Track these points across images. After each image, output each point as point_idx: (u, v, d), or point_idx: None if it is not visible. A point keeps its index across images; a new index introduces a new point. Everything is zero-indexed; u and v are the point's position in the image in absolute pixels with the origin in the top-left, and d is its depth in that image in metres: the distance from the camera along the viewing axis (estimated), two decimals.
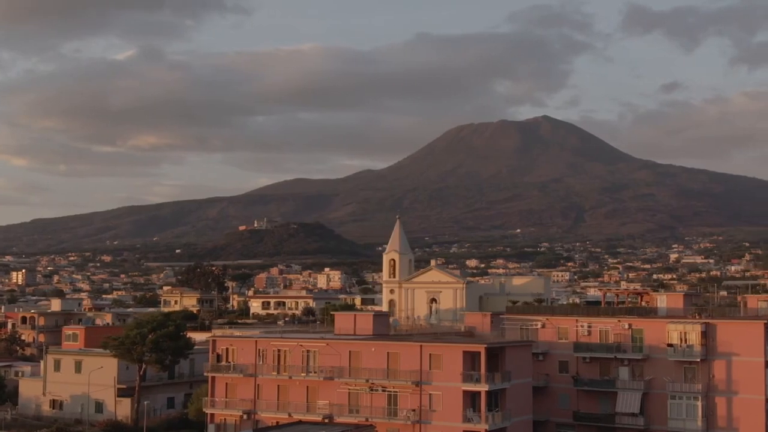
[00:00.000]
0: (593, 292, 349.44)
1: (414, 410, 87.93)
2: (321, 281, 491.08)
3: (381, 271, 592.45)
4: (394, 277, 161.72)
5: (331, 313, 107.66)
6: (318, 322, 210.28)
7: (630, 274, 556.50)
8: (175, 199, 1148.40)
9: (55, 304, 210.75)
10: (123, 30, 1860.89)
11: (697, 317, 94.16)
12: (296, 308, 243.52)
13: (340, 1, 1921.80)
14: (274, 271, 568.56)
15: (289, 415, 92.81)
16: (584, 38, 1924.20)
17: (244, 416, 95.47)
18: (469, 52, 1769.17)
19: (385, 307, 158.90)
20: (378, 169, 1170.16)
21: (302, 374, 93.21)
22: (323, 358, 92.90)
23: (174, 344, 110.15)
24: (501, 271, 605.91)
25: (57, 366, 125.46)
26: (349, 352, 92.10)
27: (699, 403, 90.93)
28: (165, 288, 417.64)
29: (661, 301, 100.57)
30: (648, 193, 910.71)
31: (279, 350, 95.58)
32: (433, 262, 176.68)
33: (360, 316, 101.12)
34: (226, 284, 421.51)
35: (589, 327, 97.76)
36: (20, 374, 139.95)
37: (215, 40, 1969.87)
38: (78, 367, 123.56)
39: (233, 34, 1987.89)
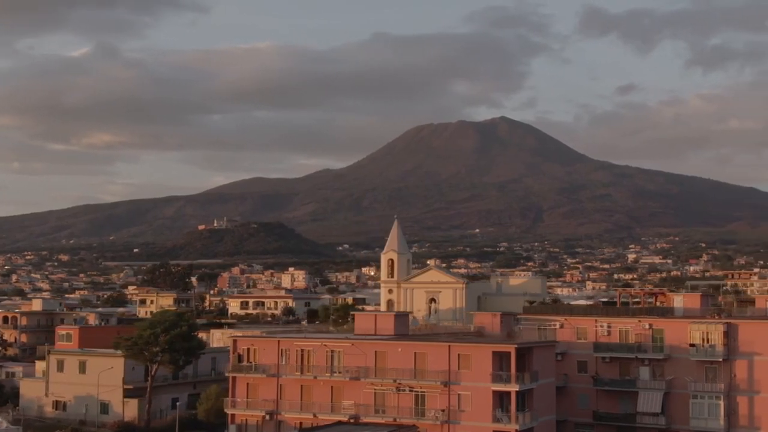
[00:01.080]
0: (560, 292, 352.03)
1: (443, 410, 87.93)
2: (285, 281, 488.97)
3: (344, 270, 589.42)
4: (393, 276, 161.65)
5: (352, 313, 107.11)
6: (302, 322, 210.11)
7: (591, 274, 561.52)
8: (131, 197, 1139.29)
9: (36, 304, 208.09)
10: (78, 27, 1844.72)
11: (716, 317, 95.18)
12: (275, 308, 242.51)
13: (298, 0, 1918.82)
14: (236, 270, 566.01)
15: (314, 415, 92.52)
16: (541, 39, 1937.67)
17: (267, 416, 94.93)
18: (426, 52, 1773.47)
19: (383, 307, 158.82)
20: (337, 168, 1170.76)
21: (327, 374, 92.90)
22: (348, 358, 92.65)
23: (187, 344, 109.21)
24: (462, 271, 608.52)
25: (60, 366, 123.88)
26: (375, 352, 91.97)
27: (721, 403, 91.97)
28: (131, 288, 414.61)
29: (678, 301, 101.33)
30: (605, 194, 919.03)
31: (302, 350, 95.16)
32: (431, 262, 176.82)
33: (381, 316, 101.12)
34: (192, 284, 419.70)
35: (609, 327, 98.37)
36: (20, 375, 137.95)
37: (172, 37, 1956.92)
38: (82, 368, 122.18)
39: (190, 32, 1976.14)
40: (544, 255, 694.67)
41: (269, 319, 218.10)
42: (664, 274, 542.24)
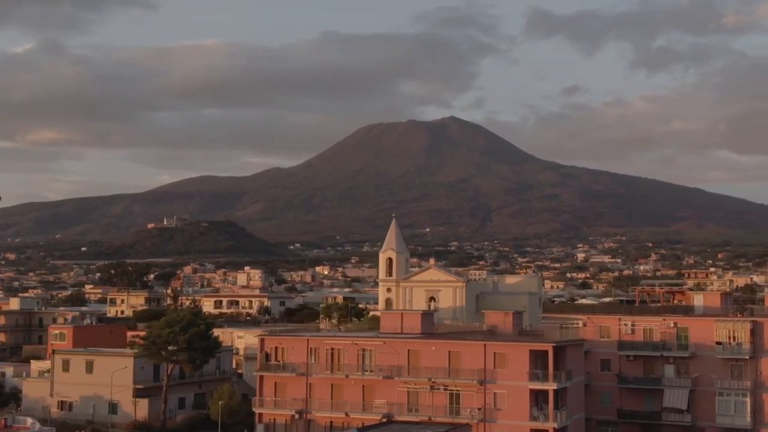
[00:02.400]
0: None
1: (479, 409, 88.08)
2: (240, 280, 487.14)
3: (299, 270, 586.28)
4: (391, 275, 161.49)
5: (380, 312, 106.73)
6: (278, 321, 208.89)
7: (544, 273, 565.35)
8: (77, 195, 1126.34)
9: (14, 303, 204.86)
10: (22, 22, 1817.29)
11: (739, 316, 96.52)
12: (250, 307, 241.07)
13: None
14: (188, 269, 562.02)
15: (346, 414, 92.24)
16: (490, 40, 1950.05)
17: (296, 415, 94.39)
18: (376, 51, 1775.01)
19: (381, 306, 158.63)
20: (286, 167, 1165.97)
21: (359, 373, 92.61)
22: (380, 357, 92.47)
23: (205, 343, 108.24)
24: (415, 269, 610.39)
25: (66, 366, 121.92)
26: (408, 350, 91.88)
27: (747, 400, 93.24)
28: (88, 287, 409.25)
29: (698, 299, 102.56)
30: (552, 194, 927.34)
31: (332, 349, 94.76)
32: (431, 261, 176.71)
33: (407, 315, 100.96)
34: (150, 282, 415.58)
35: (633, 325, 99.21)
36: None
37: (119, 34, 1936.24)
38: (89, 367, 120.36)
39: (138, 29, 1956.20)
40: (495, 254, 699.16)
41: (248, 318, 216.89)
42: (616, 273, 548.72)
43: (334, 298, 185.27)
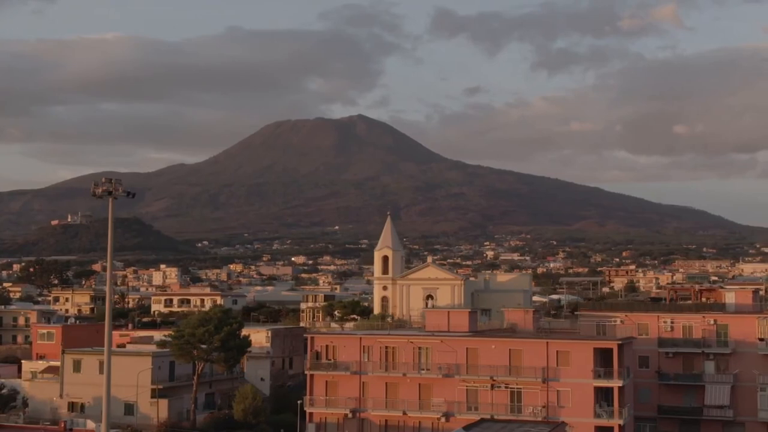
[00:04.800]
0: None
1: (543, 407, 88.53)
2: (156, 278, 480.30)
3: (212, 268, 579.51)
4: (387, 273, 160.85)
5: (426, 310, 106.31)
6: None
7: (459, 271, 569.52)
8: None
9: None
10: None
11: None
12: (202, 306, 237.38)
13: None
14: (96, 267, 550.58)
15: (404, 413, 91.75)
16: (394, 39, 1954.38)
17: (349, 414, 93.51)
18: (281, 48, 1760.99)
19: (377, 304, 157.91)
20: (191, 163, 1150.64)
21: (416, 372, 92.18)
22: (437, 355, 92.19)
23: (239, 342, 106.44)
24: (332, 267, 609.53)
25: (77, 366, 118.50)
26: (466, 348, 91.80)
27: None
28: (5, 284, 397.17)
29: (730, 297, 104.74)
30: (459, 193, 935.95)
31: (386, 347, 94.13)
32: (429, 259, 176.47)
33: (454, 313, 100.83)
34: (71, 280, 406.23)
35: (672, 323, 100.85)
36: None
37: (14, 26, 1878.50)
38: (102, 368, 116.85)
39: (34, 21, 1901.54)
40: (405, 252, 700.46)
41: None
42: (530, 271, 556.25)
43: (315, 297, 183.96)
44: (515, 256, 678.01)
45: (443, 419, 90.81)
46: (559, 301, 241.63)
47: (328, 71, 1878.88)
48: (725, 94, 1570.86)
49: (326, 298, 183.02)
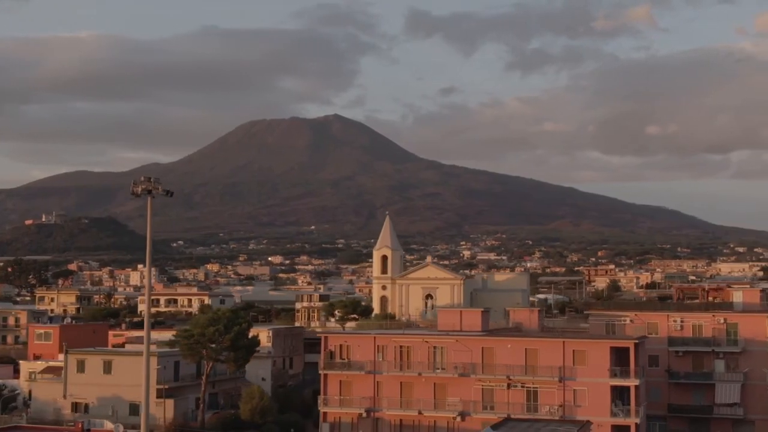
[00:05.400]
0: None
1: (559, 406, 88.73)
2: (134, 278, 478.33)
3: (188, 267, 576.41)
4: (386, 273, 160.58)
5: (439, 310, 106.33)
6: None
7: None
8: None
9: None
10: None
11: None
12: (189, 306, 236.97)
13: None
14: (72, 267, 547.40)
15: (419, 412, 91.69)
16: (369, 39, 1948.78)
17: (364, 414, 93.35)
18: (256, 47, 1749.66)
19: (376, 304, 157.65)
20: (165, 162, 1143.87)
21: (432, 371, 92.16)
22: (452, 355, 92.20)
23: (248, 342, 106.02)
24: (309, 267, 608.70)
25: (81, 367, 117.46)
26: (482, 348, 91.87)
27: None
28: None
29: (737, 296, 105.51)
30: (435, 193, 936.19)
31: (401, 347, 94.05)
32: (429, 259, 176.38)
33: (467, 313, 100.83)
34: (49, 280, 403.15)
35: (682, 322, 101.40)
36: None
37: None
38: (107, 368, 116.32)
39: (8, 20, 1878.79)
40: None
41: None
42: (507, 270, 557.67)
43: (310, 296, 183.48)
44: (492, 256, 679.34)
45: (459, 419, 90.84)
46: (546, 300, 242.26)
47: (303, 71, 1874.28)
48: (698, 95, 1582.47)
49: (321, 298, 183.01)
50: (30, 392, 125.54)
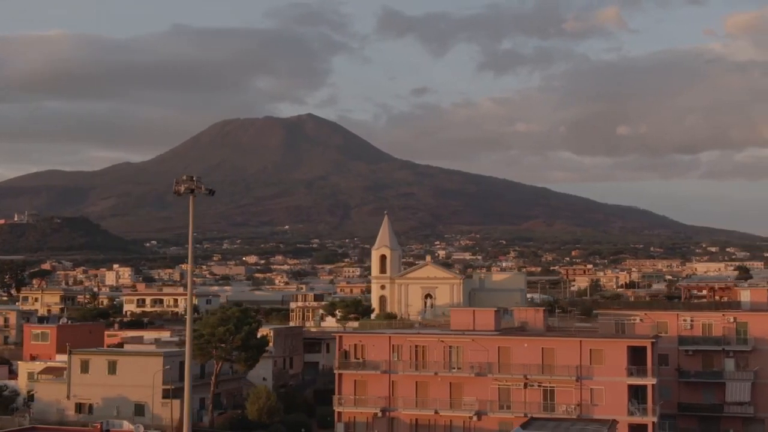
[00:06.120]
0: None
1: (578, 405, 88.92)
2: (109, 278, 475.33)
3: (163, 267, 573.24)
4: (385, 272, 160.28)
5: (452, 309, 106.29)
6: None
7: None
8: None
9: None
10: None
11: None
12: (175, 306, 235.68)
13: None
14: (46, 267, 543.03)
15: (436, 412, 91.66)
16: (342, 38, 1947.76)
17: (379, 413, 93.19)
18: (228, 46, 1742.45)
19: (375, 303, 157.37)
20: (137, 162, 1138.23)
21: (448, 370, 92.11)
22: (468, 354, 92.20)
23: (258, 342, 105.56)
24: (285, 267, 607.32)
25: (85, 367, 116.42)
26: (498, 347, 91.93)
27: None
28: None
29: (745, 295, 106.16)
30: (409, 192, 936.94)
31: (416, 346, 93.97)
32: (428, 258, 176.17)
33: (480, 312, 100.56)
34: (25, 280, 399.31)
35: (692, 321, 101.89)
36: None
37: None
38: (112, 368, 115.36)
39: None
40: (358, 251, 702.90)
41: (183, 317, 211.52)
42: (484, 270, 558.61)
43: (305, 296, 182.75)
44: (467, 256, 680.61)
45: (475, 418, 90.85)
46: (532, 299, 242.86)
47: (276, 70, 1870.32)
48: (668, 96, 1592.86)
49: (316, 297, 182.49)
50: (29, 393, 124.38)
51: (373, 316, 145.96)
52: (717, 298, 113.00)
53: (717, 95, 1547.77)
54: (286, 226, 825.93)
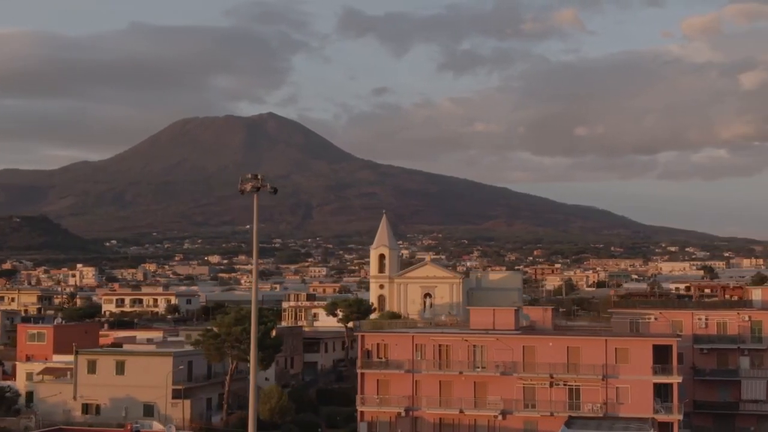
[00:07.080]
0: None
1: (605, 403, 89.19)
2: (72, 278, 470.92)
3: (125, 267, 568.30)
4: (383, 272, 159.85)
5: (471, 309, 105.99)
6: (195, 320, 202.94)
7: None
8: None
9: None
10: None
11: None
12: (155, 306, 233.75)
13: None
14: (6, 266, 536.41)
15: (461, 411, 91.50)
16: (302, 37, 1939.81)
17: (403, 413, 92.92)
18: (186, 44, 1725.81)
19: (374, 303, 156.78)
20: (95, 160, 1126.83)
21: (472, 370, 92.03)
22: (493, 353, 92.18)
23: (273, 341, 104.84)
24: (248, 267, 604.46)
25: (92, 367, 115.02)
26: (523, 347, 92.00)
27: None
28: None
29: (756, 294, 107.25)
30: (371, 192, 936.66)
31: (440, 345, 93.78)
32: (428, 257, 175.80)
33: (499, 311, 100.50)
34: None
35: (707, 320, 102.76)
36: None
37: None
38: (120, 368, 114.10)
39: None
40: (321, 251, 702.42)
41: (169, 317, 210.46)
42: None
43: (297, 296, 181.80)
44: (430, 256, 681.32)
45: (500, 417, 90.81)
46: None
47: (235, 68, 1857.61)
48: (626, 97, 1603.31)
49: (308, 297, 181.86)
50: (28, 393, 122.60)
51: (373, 315, 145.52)
52: (728, 296, 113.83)
53: (674, 96, 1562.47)
54: (248, 226, 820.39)
